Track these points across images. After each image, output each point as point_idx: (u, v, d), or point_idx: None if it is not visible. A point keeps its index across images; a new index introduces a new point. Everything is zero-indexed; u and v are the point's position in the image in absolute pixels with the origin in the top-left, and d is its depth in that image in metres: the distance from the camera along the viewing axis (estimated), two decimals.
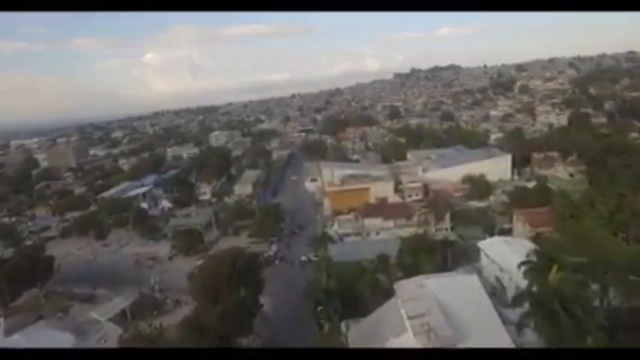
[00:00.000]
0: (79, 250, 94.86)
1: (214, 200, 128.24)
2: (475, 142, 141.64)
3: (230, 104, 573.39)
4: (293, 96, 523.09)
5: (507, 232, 76.64)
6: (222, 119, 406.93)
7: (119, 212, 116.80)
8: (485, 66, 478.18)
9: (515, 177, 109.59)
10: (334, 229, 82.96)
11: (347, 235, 79.31)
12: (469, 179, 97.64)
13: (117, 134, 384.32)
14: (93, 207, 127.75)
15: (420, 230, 77.32)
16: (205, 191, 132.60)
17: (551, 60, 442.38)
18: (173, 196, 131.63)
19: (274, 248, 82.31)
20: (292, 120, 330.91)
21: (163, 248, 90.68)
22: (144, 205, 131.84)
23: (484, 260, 57.55)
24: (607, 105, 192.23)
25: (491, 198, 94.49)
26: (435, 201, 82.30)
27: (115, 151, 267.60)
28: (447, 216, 78.33)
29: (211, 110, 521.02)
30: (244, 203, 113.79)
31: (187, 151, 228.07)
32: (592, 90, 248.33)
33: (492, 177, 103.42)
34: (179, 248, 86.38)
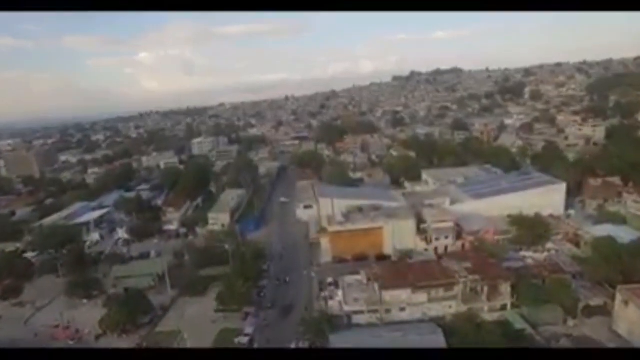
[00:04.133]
0: None
1: (182, 230, 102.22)
2: (504, 159, 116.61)
3: (222, 104, 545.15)
4: (287, 98, 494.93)
5: (598, 314, 51.47)
6: (211, 122, 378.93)
7: (57, 247, 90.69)
8: (487, 69, 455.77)
9: (571, 211, 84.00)
10: (338, 300, 56.85)
11: (357, 312, 53.36)
12: (520, 220, 71.50)
13: (99, 136, 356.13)
14: (28, 238, 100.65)
15: (465, 308, 52.30)
16: (173, 218, 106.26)
17: (558, 64, 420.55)
18: (133, 223, 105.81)
19: (249, 329, 55.86)
20: (285, 125, 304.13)
21: (97, 313, 64.16)
22: (95, 235, 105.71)
23: None
24: None
25: (549, 246, 69.18)
26: (484, 260, 56.74)
27: (89, 157, 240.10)
28: (507, 287, 52.69)
29: (201, 111, 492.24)
30: (217, 239, 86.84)
31: (166, 160, 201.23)
32: (612, 97, 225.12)
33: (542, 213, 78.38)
34: (114, 320, 60.02)
